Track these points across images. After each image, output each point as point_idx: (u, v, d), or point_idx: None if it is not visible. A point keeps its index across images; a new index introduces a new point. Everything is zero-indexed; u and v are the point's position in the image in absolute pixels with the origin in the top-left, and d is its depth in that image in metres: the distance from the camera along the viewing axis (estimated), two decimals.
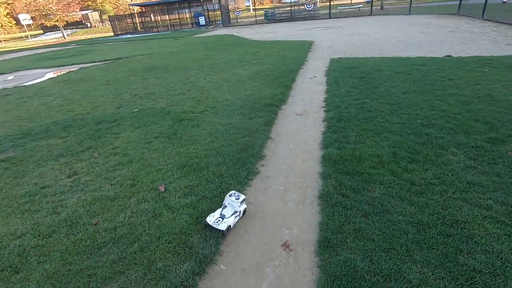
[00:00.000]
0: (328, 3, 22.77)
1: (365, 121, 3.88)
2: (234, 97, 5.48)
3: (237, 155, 3.36)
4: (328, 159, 3.07)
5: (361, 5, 23.13)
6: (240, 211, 2.37)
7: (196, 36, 19.14)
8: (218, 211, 2.37)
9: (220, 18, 24.45)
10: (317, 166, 3.06)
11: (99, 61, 12.28)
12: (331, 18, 20.86)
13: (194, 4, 27.72)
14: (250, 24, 23.42)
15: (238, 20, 26.82)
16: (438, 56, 7.13)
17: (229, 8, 28.01)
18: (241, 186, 2.80)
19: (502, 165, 2.74)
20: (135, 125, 4.63)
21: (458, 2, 18.81)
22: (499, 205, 2.26)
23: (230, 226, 2.26)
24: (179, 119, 4.63)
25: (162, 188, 2.88)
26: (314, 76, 6.47)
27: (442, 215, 2.21)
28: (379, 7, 22.71)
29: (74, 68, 11.32)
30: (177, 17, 27.91)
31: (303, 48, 9.93)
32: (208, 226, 2.27)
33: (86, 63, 12.27)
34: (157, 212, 2.55)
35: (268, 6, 47.82)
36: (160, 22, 29.59)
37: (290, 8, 23.01)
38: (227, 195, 2.41)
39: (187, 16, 28.27)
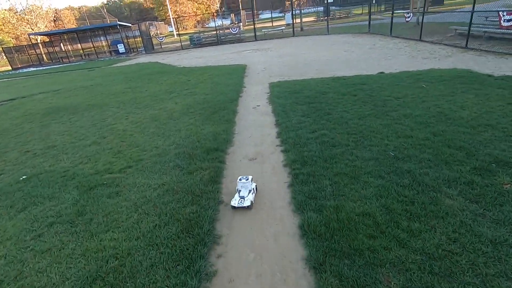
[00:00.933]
0: (253, 26, 23.32)
1: (334, 161, 3.20)
2: (166, 142, 4.36)
3: (178, 243, 2.28)
4: (310, 233, 2.22)
5: (284, 27, 24.24)
6: (253, 188, 2.77)
7: (115, 65, 17.16)
8: (236, 195, 2.70)
9: (142, 45, 22.76)
10: (297, 245, 2.18)
11: None
12: (257, 40, 21.20)
13: (111, 31, 25.48)
14: (176, 50, 22.30)
15: (162, 46, 25.48)
16: (372, 73, 7.20)
17: (151, 34, 26.54)
18: None
19: (509, 206, 2.27)
20: (18, 205, 3.14)
21: (367, 22, 21.05)
22: None
23: (252, 201, 2.66)
24: (89, 187, 3.32)
25: None
26: (258, 105, 5.76)
27: None
28: (299, 29, 24.08)
29: None
30: (92, 45, 25.12)
31: (238, 73, 9.31)
32: (234, 208, 2.65)
33: None
34: None
35: (192, 31, 47.50)
36: (71, 51, 26.29)
37: (216, 32, 22.74)
38: (237, 180, 2.74)
39: (104, 44, 25.74)
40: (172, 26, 47.68)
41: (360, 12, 36.50)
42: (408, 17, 12.79)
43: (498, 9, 8.65)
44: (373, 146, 3.46)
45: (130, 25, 24.45)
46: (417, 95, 5.08)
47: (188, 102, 6.47)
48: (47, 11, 38.01)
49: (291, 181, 2.98)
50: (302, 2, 23.58)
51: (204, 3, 64.31)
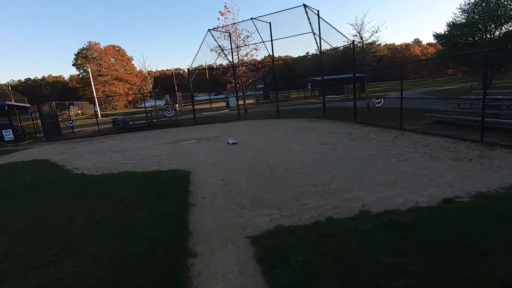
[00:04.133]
0: (190, 107, 20.40)
1: None
2: None
3: None
4: None
5: (227, 110, 21.98)
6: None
7: None
8: (229, 142, 9.69)
9: (43, 129, 17.15)
10: None
11: None
12: (197, 124, 17.94)
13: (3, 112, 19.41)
14: (91, 136, 17.19)
15: (75, 131, 20.17)
16: (431, 203, 3.93)
17: (59, 115, 21.22)
18: None
19: None
20: None
21: (311, 106, 20.16)
22: None
23: (236, 142, 9.55)
24: None
25: None
26: None
27: None
28: (243, 111, 22.10)
29: None
30: None
31: (176, 195, 5.13)
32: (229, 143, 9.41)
33: None
34: None
35: (122, 111, 43.09)
36: None
37: (145, 115, 18.81)
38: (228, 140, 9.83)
39: None
40: (97, 106, 42.44)
41: (296, 96, 38.10)
42: (379, 102, 11.16)
43: None
44: None
45: (27, 105, 19.01)
46: None
47: None
48: None
49: None
50: (245, 85, 22.11)
51: (137, 85, 62.14)
